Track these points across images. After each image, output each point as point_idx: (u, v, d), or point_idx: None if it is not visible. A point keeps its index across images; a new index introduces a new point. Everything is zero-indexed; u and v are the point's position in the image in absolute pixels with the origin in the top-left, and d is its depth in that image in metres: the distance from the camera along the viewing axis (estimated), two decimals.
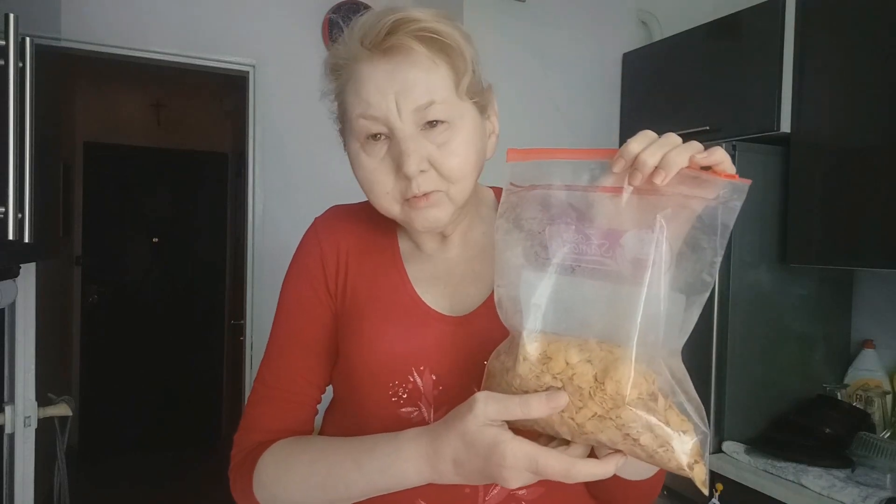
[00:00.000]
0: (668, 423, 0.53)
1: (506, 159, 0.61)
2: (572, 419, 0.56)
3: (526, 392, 0.57)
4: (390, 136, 0.70)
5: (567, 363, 0.55)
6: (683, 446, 0.53)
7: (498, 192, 0.87)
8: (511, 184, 0.61)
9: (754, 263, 1.92)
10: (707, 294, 0.55)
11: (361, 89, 0.70)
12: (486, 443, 0.58)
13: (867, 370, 1.97)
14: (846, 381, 1.99)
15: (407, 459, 0.64)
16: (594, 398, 0.54)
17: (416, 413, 0.74)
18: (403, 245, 0.83)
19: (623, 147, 0.56)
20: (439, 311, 0.77)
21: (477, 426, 0.58)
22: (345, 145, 0.77)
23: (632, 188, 0.56)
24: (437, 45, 0.69)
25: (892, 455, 1.58)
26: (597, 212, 0.57)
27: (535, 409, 0.56)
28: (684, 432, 0.54)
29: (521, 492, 0.73)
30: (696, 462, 0.54)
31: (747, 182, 0.53)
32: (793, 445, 1.73)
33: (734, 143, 1.89)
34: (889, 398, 1.90)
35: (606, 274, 0.55)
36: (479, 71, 0.75)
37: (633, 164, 0.56)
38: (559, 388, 0.56)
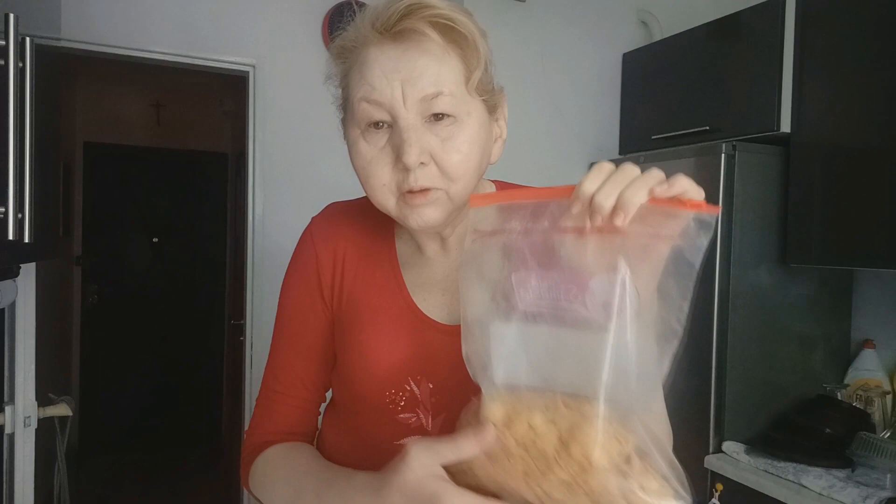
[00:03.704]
0: (643, 490, 0.48)
1: (469, 205, 0.57)
2: (539, 486, 0.50)
3: (489, 454, 0.53)
4: (392, 125, 0.67)
5: (529, 426, 0.51)
6: None
7: (500, 185, 0.85)
8: (474, 230, 0.56)
9: (754, 263, 1.92)
10: (677, 343, 0.49)
11: (367, 72, 0.67)
12: (427, 495, 0.55)
13: (867, 370, 1.97)
14: (846, 381, 1.99)
15: (353, 502, 0.63)
16: (559, 462, 0.49)
17: (413, 419, 0.74)
18: (401, 248, 0.81)
19: (577, 187, 0.51)
20: (436, 319, 0.76)
21: (416, 478, 0.55)
22: (345, 134, 0.75)
23: (592, 230, 0.51)
24: (452, 33, 0.66)
25: (892, 455, 1.58)
26: (560, 255, 0.52)
27: (466, 449, 0.54)
28: (663, 499, 0.48)
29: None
30: None
31: (715, 211, 0.48)
32: (793, 445, 1.73)
33: (734, 143, 1.89)
34: (889, 398, 1.90)
35: (575, 322, 0.50)
36: (491, 69, 0.72)
37: (590, 206, 0.50)
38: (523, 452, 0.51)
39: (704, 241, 0.48)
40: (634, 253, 0.49)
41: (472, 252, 0.56)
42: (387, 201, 0.70)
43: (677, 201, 0.49)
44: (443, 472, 0.56)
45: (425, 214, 0.69)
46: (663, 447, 0.50)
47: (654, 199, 0.49)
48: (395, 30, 0.66)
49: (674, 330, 0.50)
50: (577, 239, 0.51)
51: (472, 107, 0.69)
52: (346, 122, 0.74)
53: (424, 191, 0.68)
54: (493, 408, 0.53)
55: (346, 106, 0.73)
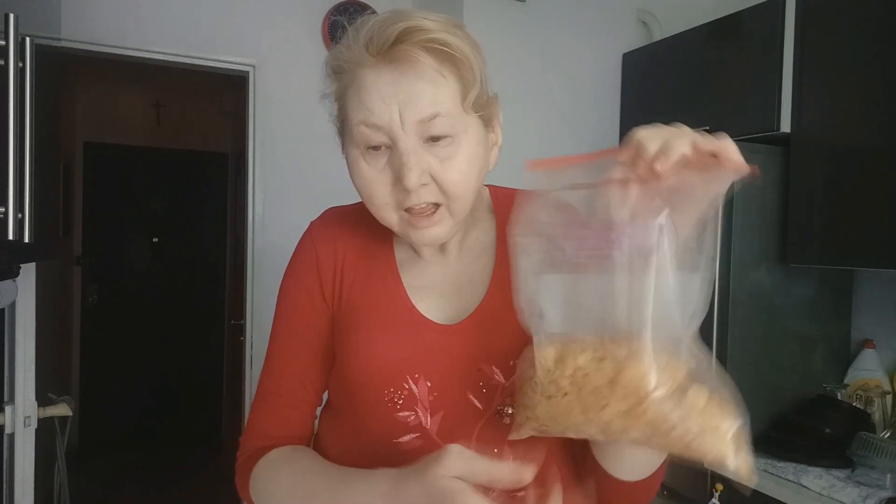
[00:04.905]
0: (701, 414, 0.51)
1: (525, 169, 0.60)
2: (599, 419, 0.55)
3: (548, 397, 0.57)
4: (391, 147, 0.69)
5: (579, 365, 0.54)
6: (720, 436, 0.51)
7: (494, 190, 0.87)
8: (528, 192, 0.61)
9: (754, 263, 1.92)
10: (714, 267, 0.54)
11: (364, 96, 0.68)
12: (443, 492, 0.57)
13: (867, 370, 1.97)
14: (846, 381, 1.99)
15: (370, 495, 0.63)
16: (615, 395, 0.53)
17: (412, 417, 0.74)
18: (399, 253, 0.82)
19: (629, 135, 0.56)
20: (433, 319, 0.77)
21: (440, 476, 0.58)
22: (342, 147, 0.76)
23: (637, 180, 0.55)
24: (446, 57, 0.67)
25: (892, 455, 1.58)
26: (605, 206, 0.56)
27: (501, 475, 0.57)
28: (720, 421, 0.51)
29: (520, 492, 0.73)
30: (737, 451, 0.51)
31: (754, 172, 0.53)
32: (793, 445, 1.73)
33: (734, 143, 1.89)
34: (889, 398, 1.90)
35: (615, 267, 0.54)
36: (486, 83, 0.73)
37: (637, 152, 0.55)
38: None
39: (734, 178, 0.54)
40: (672, 198, 0.53)
41: (525, 211, 0.60)
42: (390, 218, 0.72)
43: (717, 157, 0.53)
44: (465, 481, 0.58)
45: (428, 234, 0.71)
46: (713, 370, 0.54)
47: (696, 153, 0.53)
48: (391, 54, 0.66)
49: (709, 257, 0.55)
50: (620, 189, 0.55)
51: (469, 124, 0.71)
52: (343, 137, 0.75)
53: (429, 212, 0.70)
54: (546, 352, 0.57)
55: (343, 124, 0.74)
